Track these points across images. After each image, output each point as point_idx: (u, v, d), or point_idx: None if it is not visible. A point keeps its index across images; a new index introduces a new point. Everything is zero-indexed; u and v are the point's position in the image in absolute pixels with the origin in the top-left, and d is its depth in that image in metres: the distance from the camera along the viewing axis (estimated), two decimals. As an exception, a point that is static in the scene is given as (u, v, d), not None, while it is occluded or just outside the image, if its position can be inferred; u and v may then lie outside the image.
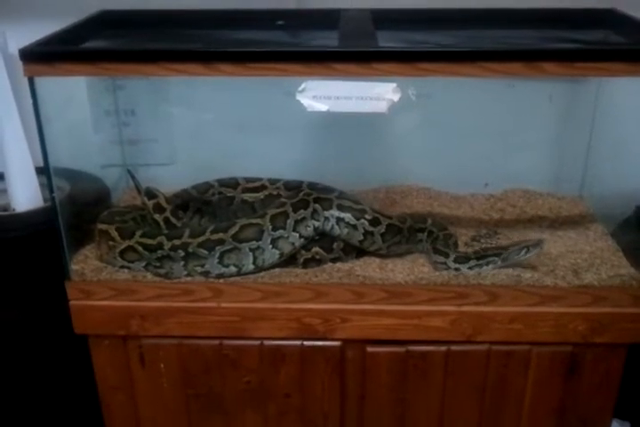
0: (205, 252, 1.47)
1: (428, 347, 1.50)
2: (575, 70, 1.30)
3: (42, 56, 1.30)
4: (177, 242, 1.47)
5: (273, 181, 1.72)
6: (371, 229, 1.53)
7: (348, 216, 1.53)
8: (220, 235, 1.47)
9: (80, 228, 1.56)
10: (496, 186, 1.83)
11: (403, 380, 1.52)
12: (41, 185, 1.67)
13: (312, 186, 1.63)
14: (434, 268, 1.53)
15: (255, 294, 1.48)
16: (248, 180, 1.73)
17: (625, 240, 1.63)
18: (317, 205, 1.53)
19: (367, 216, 1.53)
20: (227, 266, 1.48)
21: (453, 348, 1.50)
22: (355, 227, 1.53)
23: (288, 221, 1.50)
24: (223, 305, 1.48)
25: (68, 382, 1.70)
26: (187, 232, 1.49)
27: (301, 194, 1.54)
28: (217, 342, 1.51)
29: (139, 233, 1.49)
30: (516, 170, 1.85)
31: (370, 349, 1.50)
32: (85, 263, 1.52)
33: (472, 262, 1.50)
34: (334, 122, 1.67)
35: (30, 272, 1.59)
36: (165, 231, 1.53)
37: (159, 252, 1.47)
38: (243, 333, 1.50)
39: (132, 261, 1.49)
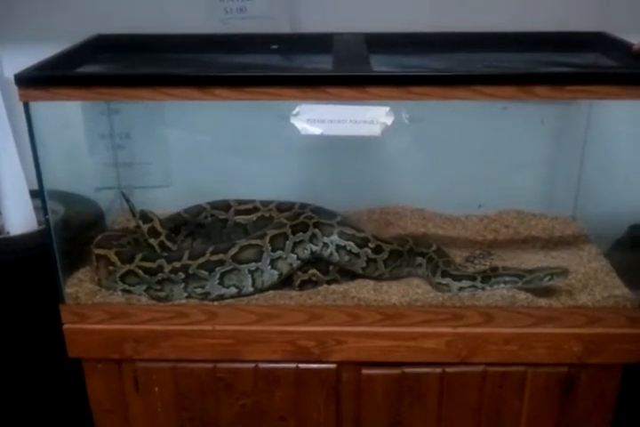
0: (206, 273, 1.47)
1: (424, 369, 1.50)
2: (566, 93, 1.32)
3: (37, 81, 1.31)
4: (177, 264, 1.47)
5: (265, 203, 1.72)
6: (374, 256, 1.53)
7: (350, 244, 1.53)
8: (220, 256, 1.47)
9: (74, 251, 1.56)
10: (490, 207, 1.84)
11: (398, 402, 1.52)
12: (35, 208, 1.67)
13: (315, 210, 1.63)
14: (437, 290, 1.52)
15: (249, 316, 1.48)
16: (240, 202, 1.73)
17: (618, 260, 1.63)
18: (317, 230, 1.54)
19: (370, 245, 1.53)
20: (227, 287, 1.48)
21: (449, 369, 1.49)
22: (357, 255, 1.53)
23: (287, 243, 1.50)
24: (217, 328, 1.48)
25: (62, 405, 1.69)
26: (186, 254, 1.49)
27: (302, 217, 1.55)
28: (211, 365, 1.50)
29: (139, 257, 1.49)
30: (509, 191, 1.86)
31: (365, 371, 1.50)
32: (79, 287, 1.52)
33: (492, 280, 1.51)
34: (328, 144, 1.68)
35: (24, 296, 1.58)
36: (164, 254, 1.53)
37: (159, 275, 1.47)
38: (237, 355, 1.49)
39: (133, 285, 1.49)
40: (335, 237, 1.53)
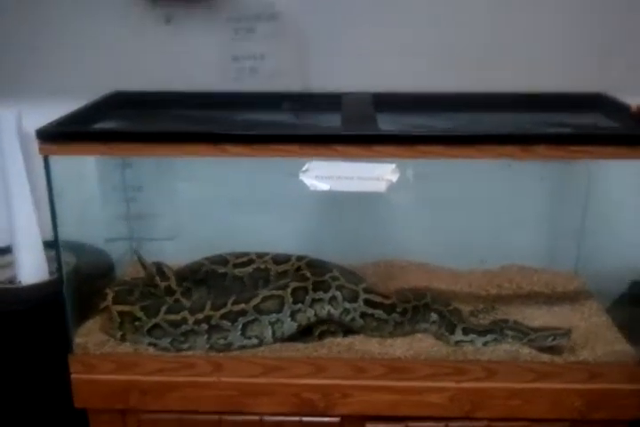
0: (228, 324, 1.49)
1: (428, 424, 1.50)
2: (567, 153, 1.37)
3: (58, 136, 1.37)
4: (200, 316, 1.49)
5: (261, 255, 1.75)
6: (401, 319, 1.55)
7: (378, 313, 1.54)
8: (242, 306, 1.50)
9: (84, 301, 1.58)
10: (493, 262, 1.86)
11: (402, 457, 1.52)
12: (47, 258, 1.69)
13: (311, 263, 1.67)
14: (451, 346, 1.53)
15: (255, 368, 1.49)
16: (236, 255, 1.75)
17: (620, 316, 1.65)
18: (339, 293, 1.54)
19: (398, 309, 1.55)
20: (249, 338, 1.50)
21: (452, 424, 1.50)
22: (386, 321, 1.55)
23: (307, 298, 1.53)
24: (223, 379, 1.49)
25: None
26: (208, 305, 1.51)
27: (327, 276, 1.56)
28: (216, 417, 1.51)
29: (163, 310, 1.51)
30: (512, 246, 1.88)
31: (369, 425, 1.51)
32: (89, 337, 1.54)
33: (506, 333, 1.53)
34: (335, 200, 1.72)
35: (34, 345, 1.60)
36: (188, 305, 1.55)
37: (183, 327, 1.49)
38: (242, 408, 1.50)
39: (160, 338, 1.51)
40: (359, 305, 1.54)
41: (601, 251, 1.84)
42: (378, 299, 1.55)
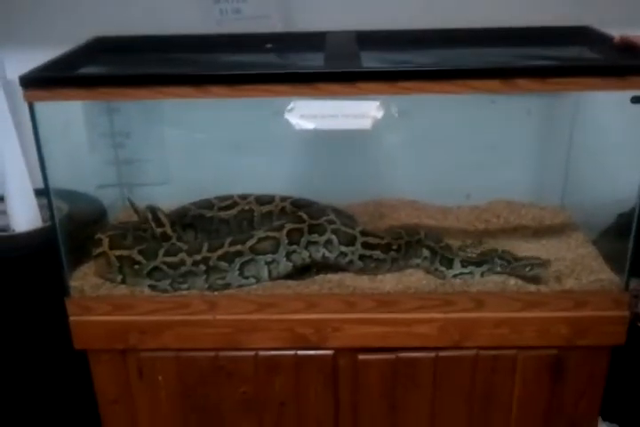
0: (226, 264, 1.52)
1: (418, 353, 1.54)
2: (548, 86, 1.37)
3: (41, 82, 1.36)
4: (197, 257, 1.52)
5: (243, 197, 1.77)
6: (396, 256, 1.58)
7: (376, 253, 1.56)
8: (239, 247, 1.52)
9: (78, 247, 1.60)
10: (480, 198, 1.88)
11: (393, 386, 1.57)
12: (39, 206, 1.71)
13: (296, 202, 1.69)
14: (442, 278, 1.57)
15: (249, 305, 1.53)
16: (220, 198, 1.77)
17: (607, 247, 1.68)
18: (334, 237, 1.56)
19: (394, 247, 1.58)
20: (246, 277, 1.53)
21: (442, 354, 1.54)
22: (384, 260, 1.57)
23: (302, 239, 1.55)
24: (218, 317, 1.53)
25: (69, 397, 1.74)
26: (205, 246, 1.54)
27: (323, 219, 1.57)
28: (213, 353, 1.55)
29: (161, 252, 1.54)
30: (499, 182, 1.90)
31: (361, 356, 1.55)
32: (84, 280, 1.57)
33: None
34: (323, 139, 1.73)
35: (30, 291, 1.63)
36: (185, 247, 1.57)
37: (182, 268, 1.52)
38: (238, 344, 1.54)
39: (160, 280, 1.54)
40: (357, 248, 1.56)
41: (588, 184, 1.86)
42: (375, 240, 1.57)
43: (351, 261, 1.56)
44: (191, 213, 1.74)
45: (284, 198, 1.75)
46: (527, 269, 1.53)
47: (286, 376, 1.56)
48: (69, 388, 1.72)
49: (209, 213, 1.75)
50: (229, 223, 1.75)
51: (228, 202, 1.77)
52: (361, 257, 1.56)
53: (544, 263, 1.53)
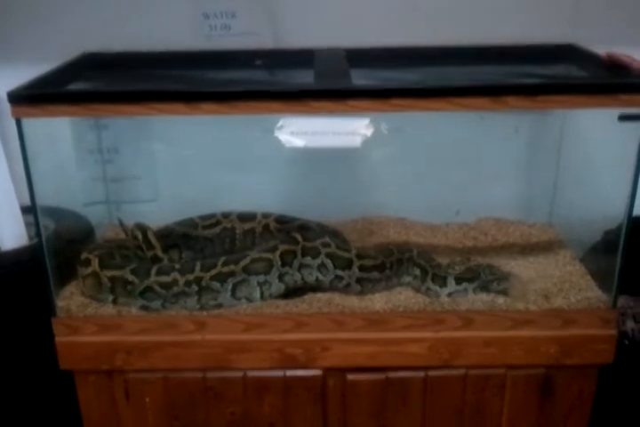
0: (218, 284, 1.51)
1: (407, 373, 1.54)
2: (537, 104, 1.37)
3: (30, 98, 1.35)
4: (190, 277, 1.50)
5: (226, 215, 1.76)
6: (390, 274, 1.58)
7: (373, 275, 1.56)
8: (232, 267, 1.51)
9: (65, 265, 1.58)
10: (469, 215, 1.89)
11: (383, 406, 1.56)
12: (26, 223, 1.69)
13: (279, 219, 1.70)
14: (435, 297, 1.56)
15: (238, 325, 1.51)
16: (203, 217, 1.76)
17: (594, 264, 1.68)
18: (329, 260, 1.54)
19: (387, 265, 1.57)
20: (239, 299, 1.52)
21: (431, 373, 1.54)
22: (379, 280, 1.57)
23: (295, 261, 1.54)
24: (207, 337, 1.51)
25: (54, 418, 1.70)
26: (198, 266, 1.52)
27: (318, 242, 1.55)
28: (201, 374, 1.53)
29: (154, 272, 1.52)
30: (487, 199, 1.91)
31: (350, 376, 1.54)
32: (71, 299, 1.55)
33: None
34: (312, 157, 1.72)
35: (16, 310, 1.60)
36: (177, 267, 1.55)
37: (175, 288, 1.51)
38: (226, 364, 1.52)
39: (151, 300, 1.52)
40: (355, 272, 1.55)
41: (575, 202, 1.86)
42: (371, 262, 1.56)
43: (348, 284, 1.55)
44: (175, 232, 1.73)
45: (266, 215, 1.75)
46: (495, 284, 1.55)
47: (275, 397, 1.54)
48: (54, 409, 1.69)
49: (193, 233, 1.74)
50: (213, 242, 1.74)
51: (212, 220, 1.76)
52: (358, 280, 1.55)
53: (505, 276, 1.55)
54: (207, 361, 1.52)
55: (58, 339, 1.51)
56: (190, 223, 1.75)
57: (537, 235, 1.85)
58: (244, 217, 1.75)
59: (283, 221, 1.73)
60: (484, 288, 1.56)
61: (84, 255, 1.59)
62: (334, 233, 1.72)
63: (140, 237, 1.63)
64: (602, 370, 1.55)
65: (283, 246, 1.54)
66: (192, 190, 1.85)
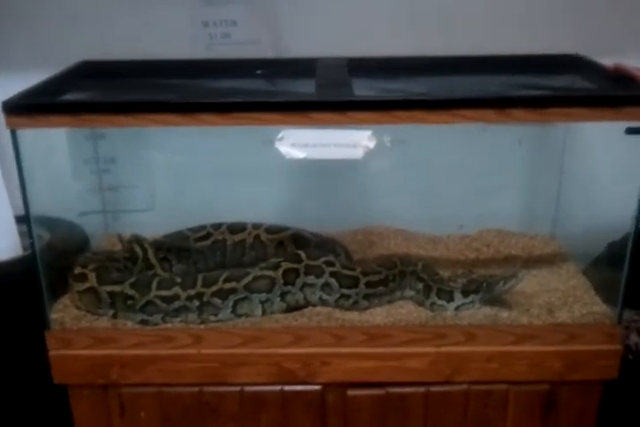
0: (219, 301, 1.48)
1: (408, 389, 1.51)
2: (544, 116, 1.35)
3: (24, 109, 1.33)
4: (192, 292, 1.48)
5: (216, 226, 1.74)
6: (394, 286, 1.56)
7: (380, 289, 1.54)
8: (233, 284, 1.49)
9: (59, 276, 1.56)
10: (471, 227, 1.87)
11: (384, 423, 1.53)
12: (20, 233, 1.66)
13: (268, 229, 1.67)
14: (442, 311, 1.53)
15: (235, 339, 1.49)
16: (193, 230, 1.74)
17: (597, 278, 1.66)
18: (333, 280, 1.52)
19: (390, 278, 1.55)
20: (239, 316, 1.50)
21: (433, 389, 1.51)
22: (384, 293, 1.55)
23: (298, 280, 1.52)
24: (203, 351, 1.49)
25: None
26: (199, 281, 1.50)
27: (321, 260, 1.53)
28: (197, 389, 1.50)
29: (154, 285, 1.50)
30: (490, 211, 1.89)
31: (350, 392, 1.51)
32: (65, 312, 1.52)
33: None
34: (313, 168, 1.70)
35: (9, 322, 1.57)
36: (178, 280, 1.53)
37: (176, 303, 1.48)
38: (223, 379, 1.50)
39: (152, 314, 1.50)
40: (362, 288, 1.53)
41: (578, 214, 1.85)
42: (376, 277, 1.54)
43: (356, 302, 1.53)
44: (166, 246, 1.70)
45: (256, 226, 1.72)
46: (501, 283, 1.52)
47: (273, 413, 1.52)
48: (48, 424, 1.66)
49: (186, 246, 1.71)
50: (205, 254, 1.72)
51: (202, 233, 1.73)
52: (365, 296, 1.53)
53: (514, 274, 1.52)
54: (203, 375, 1.50)
55: (51, 353, 1.49)
56: (181, 236, 1.73)
57: (539, 247, 1.83)
58: (235, 228, 1.73)
59: (274, 231, 1.71)
60: (490, 291, 1.52)
61: (77, 270, 1.55)
62: (331, 241, 1.70)
63: (140, 254, 1.61)
64: (605, 385, 1.53)
65: (285, 264, 1.51)
66: (189, 200, 1.83)
